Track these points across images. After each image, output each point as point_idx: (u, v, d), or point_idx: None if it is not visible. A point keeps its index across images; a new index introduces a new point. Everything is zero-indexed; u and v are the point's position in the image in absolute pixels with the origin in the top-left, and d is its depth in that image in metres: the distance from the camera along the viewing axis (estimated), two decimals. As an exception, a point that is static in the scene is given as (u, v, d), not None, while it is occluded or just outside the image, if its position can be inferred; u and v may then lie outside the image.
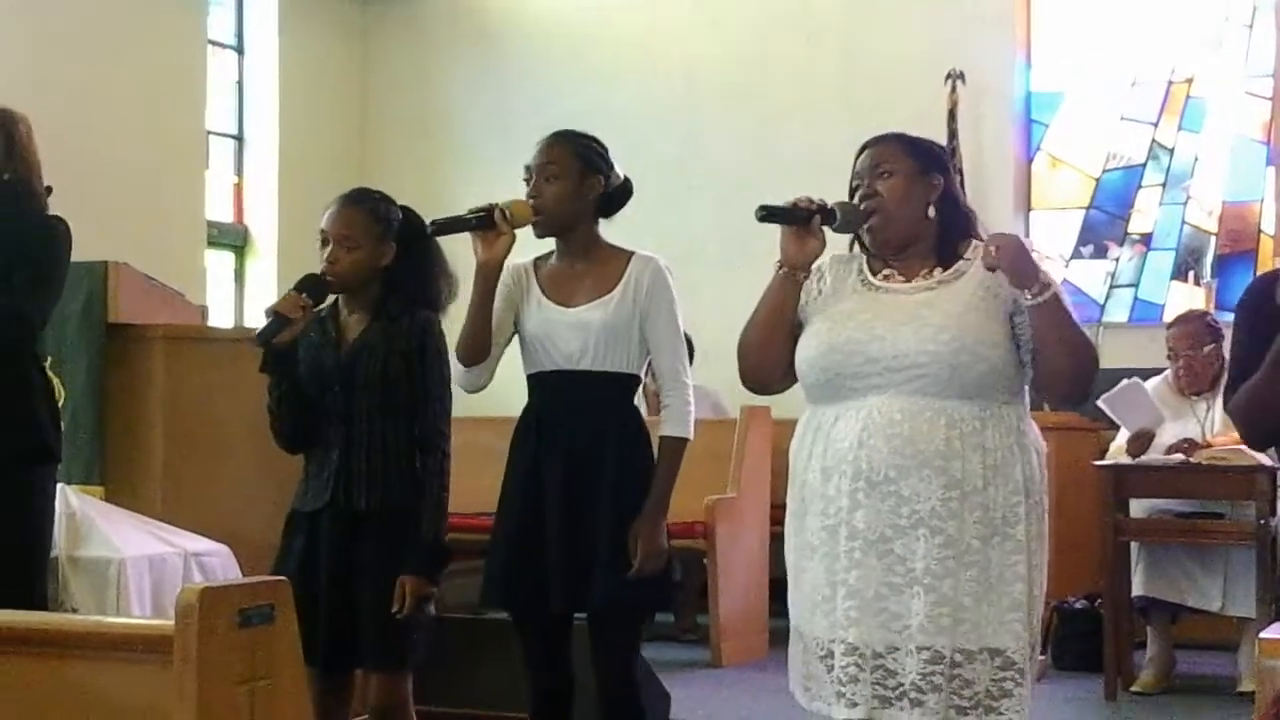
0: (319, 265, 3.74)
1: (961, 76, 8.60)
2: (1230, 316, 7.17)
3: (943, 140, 8.44)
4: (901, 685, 3.03)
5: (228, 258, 9.57)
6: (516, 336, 3.77)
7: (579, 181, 3.71)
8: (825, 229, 3.21)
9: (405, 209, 3.84)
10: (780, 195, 3.29)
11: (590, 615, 3.69)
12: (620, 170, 3.81)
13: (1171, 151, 8.83)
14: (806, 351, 3.19)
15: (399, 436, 3.67)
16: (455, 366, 3.73)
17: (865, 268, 3.26)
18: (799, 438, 3.24)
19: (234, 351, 5.26)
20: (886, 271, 3.23)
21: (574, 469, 3.64)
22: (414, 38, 10.08)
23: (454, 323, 3.78)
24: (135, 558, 4.23)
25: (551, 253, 3.81)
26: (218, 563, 4.47)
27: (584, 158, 3.74)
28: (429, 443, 3.66)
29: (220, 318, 8.95)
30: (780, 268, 3.22)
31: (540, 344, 3.71)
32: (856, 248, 3.31)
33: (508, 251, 3.64)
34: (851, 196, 3.25)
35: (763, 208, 3.19)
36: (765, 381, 3.29)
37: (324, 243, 3.73)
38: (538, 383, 3.75)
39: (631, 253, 3.76)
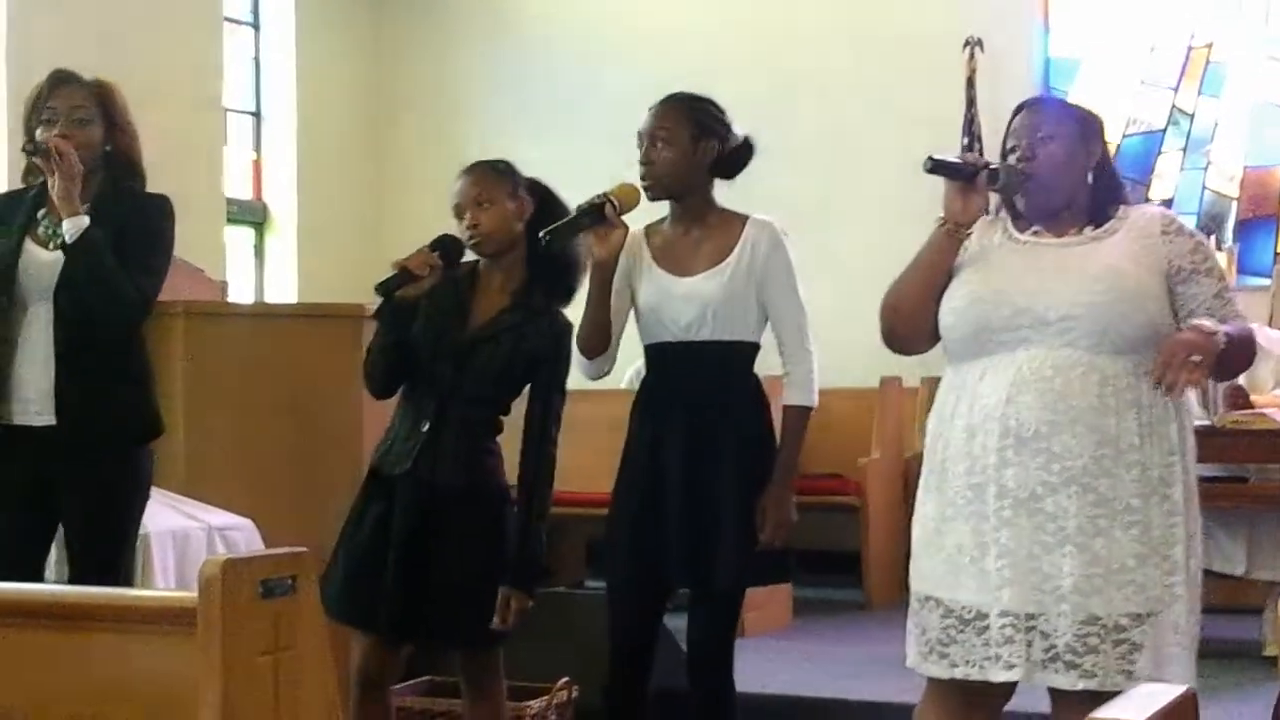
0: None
1: (980, 44, 8.55)
2: (1253, 281, 7.10)
3: (961, 108, 8.42)
4: (1055, 648, 2.97)
5: (247, 234, 9.58)
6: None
7: (692, 146, 3.66)
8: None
9: (531, 179, 3.79)
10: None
11: (704, 589, 3.64)
12: (739, 129, 3.74)
13: (1191, 117, 8.78)
14: (953, 302, 3.13)
15: (489, 421, 3.66)
16: (578, 357, 3.69)
17: (1010, 226, 3.20)
18: (939, 402, 3.18)
19: (254, 327, 5.29)
20: (1035, 229, 3.17)
21: (695, 442, 3.59)
22: (429, 12, 10.06)
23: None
24: (159, 533, 4.25)
25: (664, 219, 3.76)
26: (241, 537, 4.49)
27: (698, 122, 3.68)
28: (544, 454, 3.63)
29: (240, 294, 8.98)
30: (942, 224, 3.15)
31: (656, 315, 3.66)
32: (999, 211, 3.24)
33: (623, 244, 3.59)
34: (1004, 156, 3.19)
35: (931, 159, 3.12)
36: (914, 340, 3.23)
37: (459, 216, 3.68)
38: (655, 354, 3.71)
39: (747, 217, 3.70)
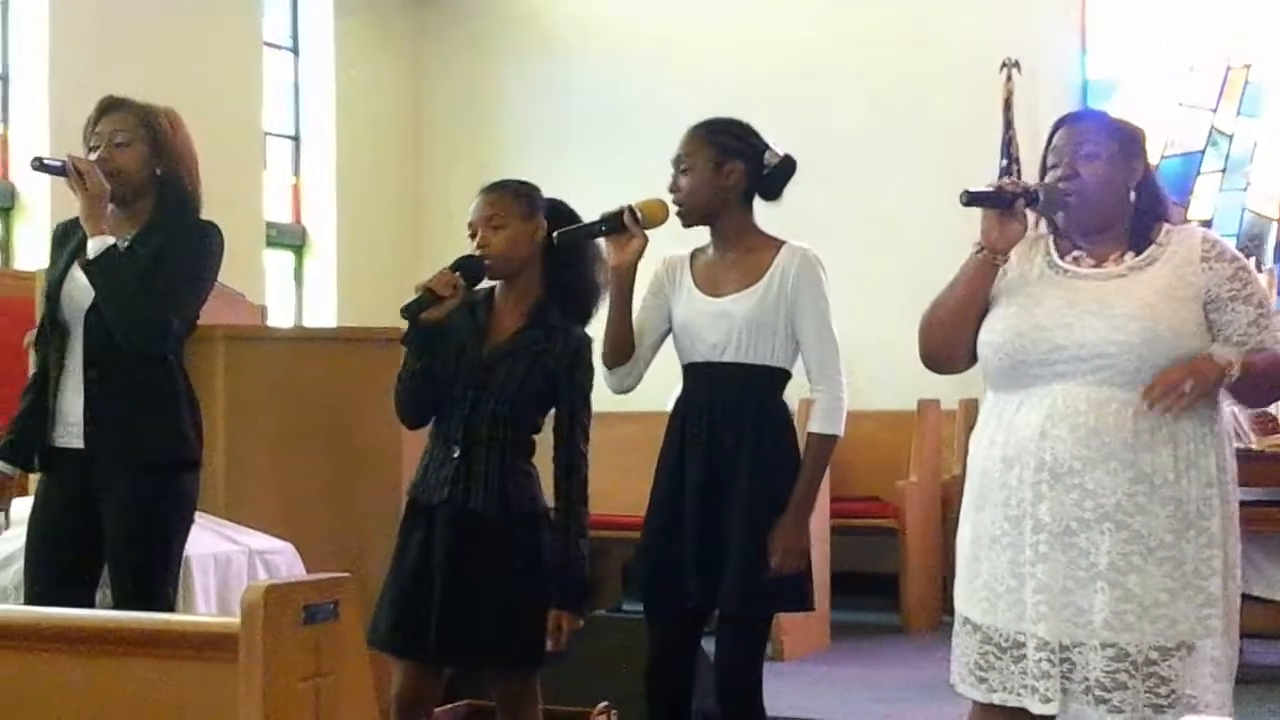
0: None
1: (1017, 65, 8.55)
2: (1291, 303, 6.99)
3: (999, 131, 8.41)
4: (1087, 680, 2.98)
5: (287, 258, 9.64)
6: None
7: (714, 169, 3.66)
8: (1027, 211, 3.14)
9: (555, 200, 3.78)
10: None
11: (721, 616, 3.65)
12: (779, 148, 3.73)
13: (1230, 138, 8.76)
14: (991, 335, 3.13)
15: (520, 442, 3.63)
16: (602, 370, 3.70)
17: (1053, 249, 3.18)
18: (980, 425, 3.18)
19: (294, 351, 5.31)
20: (1076, 254, 3.15)
21: (713, 463, 3.61)
22: (467, 37, 10.11)
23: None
24: (201, 556, 4.26)
25: (710, 244, 3.77)
26: (282, 560, 4.50)
27: (719, 144, 3.68)
28: (575, 471, 3.60)
29: (280, 317, 9.02)
30: (979, 250, 3.14)
31: (687, 334, 3.68)
32: (1043, 226, 3.23)
33: (640, 254, 3.60)
34: (1044, 173, 3.18)
35: (966, 192, 3.11)
36: (951, 361, 3.23)
37: (471, 235, 3.68)
38: (687, 374, 3.72)
39: (783, 242, 3.70)
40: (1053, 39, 8.87)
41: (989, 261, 3.14)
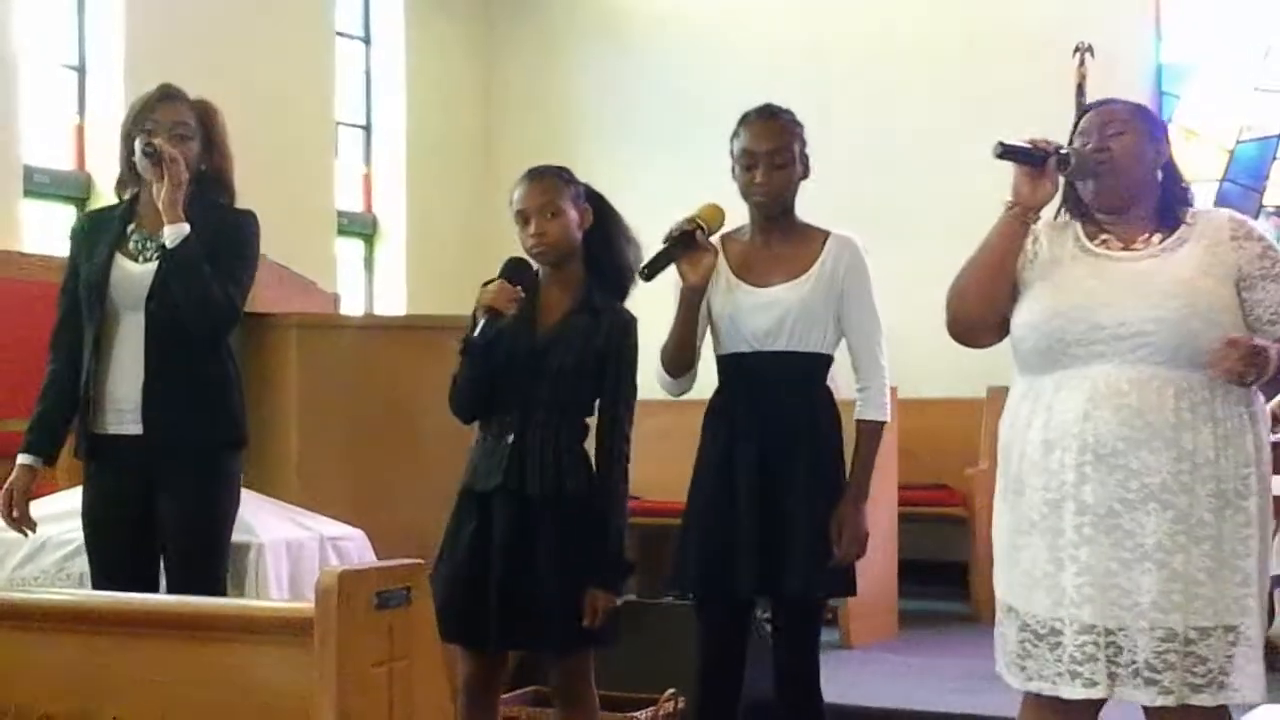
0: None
1: (1090, 49, 8.48)
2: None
3: (1070, 116, 8.34)
4: (1135, 663, 2.97)
5: (358, 246, 9.70)
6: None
7: (798, 158, 3.70)
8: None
9: (586, 186, 3.78)
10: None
11: (781, 601, 3.67)
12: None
13: (1307, 122, 8.65)
14: (1028, 315, 3.13)
15: (573, 425, 3.66)
16: (661, 375, 3.72)
17: (1081, 234, 3.20)
18: (1012, 411, 3.17)
19: (366, 338, 5.36)
20: (1104, 236, 3.17)
21: (768, 452, 3.61)
22: (539, 26, 10.13)
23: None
24: (273, 542, 4.30)
25: (740, 228, 3.77)
26: (353, 547, 4.53)
27: (800, 136, 3.72)
28: (617, 450, 3.61)
29: (351, 305, 9.08)
30: (1011, 207, 3.17)
31: (733, 325, 3.68)
32: (1065, 215, 3.25)
33: (714, 266, 3.60)
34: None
35: (1001, 144, 3.15)
36: (980, 329, 3.22)
37: (523, 222, 3.67)
38: (729, 364, 3.71)
39: (828, 232, 3.72)
40: (1126, 23, 8.79)
41: (1019, 219, 3.16)
